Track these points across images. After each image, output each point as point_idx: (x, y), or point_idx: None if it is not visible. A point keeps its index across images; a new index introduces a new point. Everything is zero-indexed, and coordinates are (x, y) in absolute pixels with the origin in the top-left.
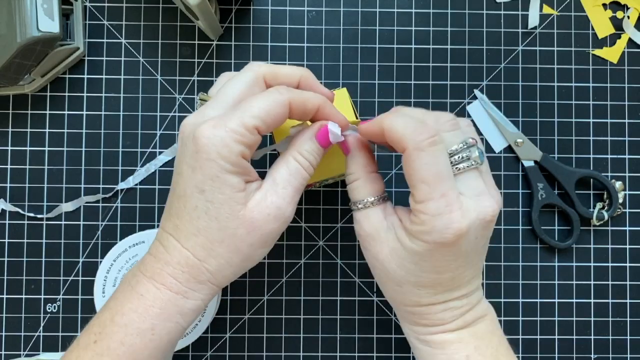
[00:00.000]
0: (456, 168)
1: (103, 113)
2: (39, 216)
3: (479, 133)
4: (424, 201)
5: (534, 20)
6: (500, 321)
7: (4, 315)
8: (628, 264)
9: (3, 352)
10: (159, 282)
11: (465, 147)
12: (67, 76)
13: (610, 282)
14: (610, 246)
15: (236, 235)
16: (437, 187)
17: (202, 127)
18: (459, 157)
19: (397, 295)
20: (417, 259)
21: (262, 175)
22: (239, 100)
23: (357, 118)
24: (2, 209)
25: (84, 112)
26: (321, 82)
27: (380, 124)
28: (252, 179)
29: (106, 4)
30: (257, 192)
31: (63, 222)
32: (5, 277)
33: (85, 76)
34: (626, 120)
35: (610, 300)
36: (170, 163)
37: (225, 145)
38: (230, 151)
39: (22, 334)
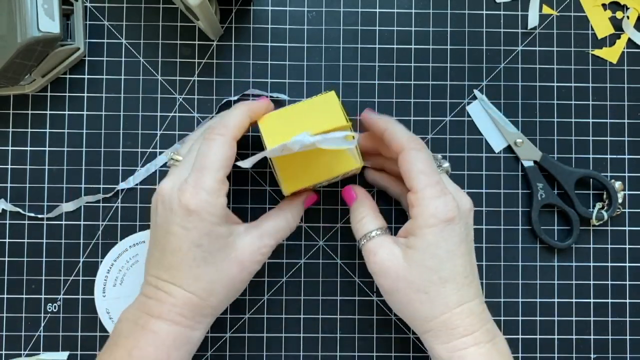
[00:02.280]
0: None
1: (103, 113)
2: (39, 216)
3: (479, 133)
4: (424, 188)
5: (533, 20)
6: (500, 321)
7: (5, 315)
8: (628, 264)
9: (3, 352)
10: (169, 319)
11: (437, 158)
12: (67, 76)
13: (609, 282)
14: (609, 246)
15: (230, 275)
16: (433, 176)
17: (186, 196)
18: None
19: (426, 307)
20: (432, 250)
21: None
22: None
23: (347, 121)
24: (3, 209)
25: (84, 112)
26: (321, 82)
27: (383, 125)
28: (233, 221)
29: (106, 4)
30: (245, 237)
31: (63, 222)
32: (5, 277)
33: (86, 76)
34: (626, 120)
35: (609, 300)
36: None
37: (212, 205)
38: (216, 208)
39: (23, 333)
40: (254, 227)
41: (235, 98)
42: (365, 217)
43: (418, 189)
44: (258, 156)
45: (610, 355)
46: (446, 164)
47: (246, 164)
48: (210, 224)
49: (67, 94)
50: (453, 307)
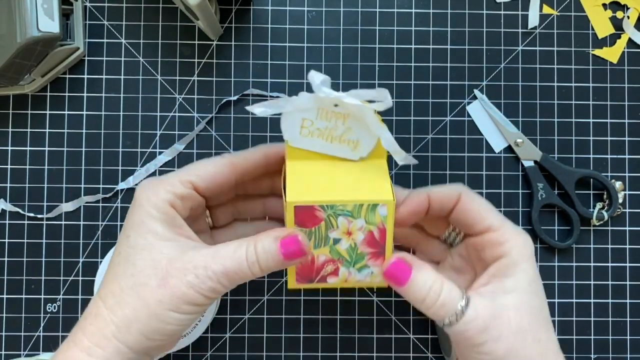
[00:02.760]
0: None
1: (103, 113)
2: (39, 216)
3: (479, 133)
4: (504, 223)
5: (533, 20)
6: None
7: (4, 315)
8: (628, 264)
9: (3, 352)
10: (70, 339)
11: None
12: (67, 76)
13: (610, 282)
14: (610, 246)
15: (147, 285)
16: (500, 214)
17: (142, 181)
18: None
19: (538, 355)
20: (534, 286)
21: None
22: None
23: (393, 198)
24: (2, 209)
25: (84, 112)
26: None
27: (424, 195)
28: (188, 235)
29: (106, 4)
30: (191, 251)
31: (63, 222)
32: (5, 277)
33: (85, 76)
34: (626, 120)
35: (610, 300)
36: (170, 163)
37: (154, 194)
38: (157, 197)
39: (22, 334)
40: (207, 247)
41: (235, 98)
42: (437, 288)
43: (498, 225)
44: (272, 104)
45: (610, 356)
46: None
47: (256, 109)
48: (145, 213)
49: (66, 94)
50: (558, 352)
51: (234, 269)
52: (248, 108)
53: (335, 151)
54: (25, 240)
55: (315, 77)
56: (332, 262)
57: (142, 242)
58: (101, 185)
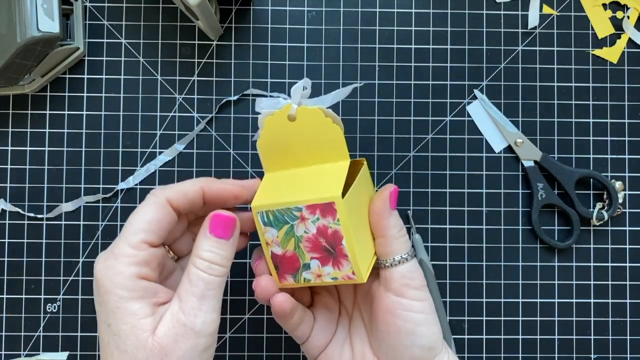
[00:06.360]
0: None
1: (103, 113)
2: (39, 216)
3: (479, 133)
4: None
5: (534, 20)
6: (500, 321)
7: (4, 315)
8: (628, 264)
9: (3, 352)
10: None
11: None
12: (67, 76)
13: (610, 282)
14: (610, 246)
15: None
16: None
17: (96, 263)
18: None
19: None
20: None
21: None
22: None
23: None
24: (2, 209)
25: (84, 112)
26: (321, 82)
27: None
28: (163, 300)
29: (106, 4)
30: (166, 314)
31: (63, 222)
32: (5, 277)
33: (85, 76)
34: (626, 120)
35: (610, 300)
36: (170, 163)
37: (117, 273)
38: (123, 277)
39: (22, 334)
40: (173, 300)
41: (235, 98)
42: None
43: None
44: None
45: (610, 356)
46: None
47: (260, 108)
48: (116, 298)
49: (66, 94)
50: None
51: (200, 291)
52: (257, 108)
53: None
54: (25, 240)
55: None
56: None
57: (124, 327)
58: (101, 185)
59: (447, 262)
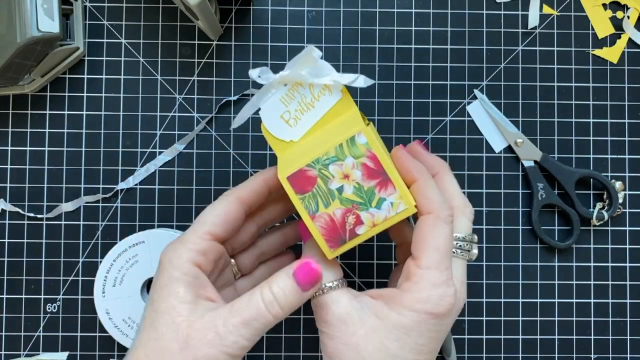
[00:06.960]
0: (453, 251)
1: (103, 113)
2: (39, 216)
3: (479, 133)
4: (430, 268)
5: (534, 20)
6: (500, 321)
7: (4, 315)
8: (628, 264)
9: (3, 352)
10: None
11: (470, 240)
12: (67, 76)
13: (610, 282)
14: (610, 246)
15: (169, 350)
16: (446, 260)
17: (164, 248)
18: (461, 244)
19: None
20: (400, 333)
21: None
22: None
23: (365, 124)
24: (2, 209)
25: (84, 112)
26: None
27: (415, 174)
28: (209, 296)
29: (106, 4)
30: (210, 312)
31: (63, 222)
32: (5, 277)
33: (85, 76)
34: (626, 120)
35: (610, 300)
36: (170, 163)
37: (177, 256)
38: (180, 258)
39: (22, 334)
40: (225, 306)
41: (235, 98)
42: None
43: (423, 265)
44: (245, 110)
45: (610, 356)
46: (475, 250)
47: (234, 124)
48: (168, 276)
49: (66, 94)
50: None
51: (252, 316)
52: (233, 125)
53: (321, 110)
54: (25, 240)
55: (254, 74)
56: (349, 211)
57: (164, 305)
58: (101, 185)
59: None
